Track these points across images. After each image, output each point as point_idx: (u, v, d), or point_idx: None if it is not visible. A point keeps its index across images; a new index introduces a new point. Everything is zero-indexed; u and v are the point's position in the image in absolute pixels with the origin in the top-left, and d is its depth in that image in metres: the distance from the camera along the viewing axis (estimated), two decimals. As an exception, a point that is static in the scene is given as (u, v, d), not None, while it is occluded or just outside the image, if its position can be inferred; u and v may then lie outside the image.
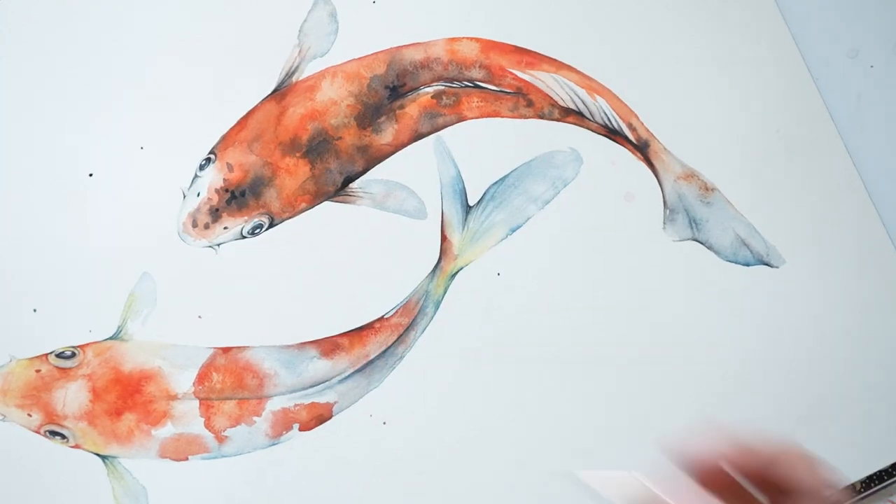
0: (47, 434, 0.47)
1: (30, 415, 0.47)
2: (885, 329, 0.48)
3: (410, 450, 0.47)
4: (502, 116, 0.49)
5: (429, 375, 0.47)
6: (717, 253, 0.48)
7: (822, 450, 0.46)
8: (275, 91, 0.49)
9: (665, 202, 0.49)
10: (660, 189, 0.49)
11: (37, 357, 0.48)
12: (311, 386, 0.47)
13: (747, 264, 0.48)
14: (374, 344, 0.48)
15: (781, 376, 0.48)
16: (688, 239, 0.48)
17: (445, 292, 0.48)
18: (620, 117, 0.49)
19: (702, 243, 0.48)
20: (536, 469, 0.47)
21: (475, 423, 0.47)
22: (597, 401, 0.47)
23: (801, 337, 0.48)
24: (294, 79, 0.49)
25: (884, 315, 0.48)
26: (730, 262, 0.48)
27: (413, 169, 0.48)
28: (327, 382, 0.47)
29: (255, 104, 0.48)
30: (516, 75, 0.49)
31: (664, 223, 0.48)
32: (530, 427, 0.47)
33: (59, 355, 0.48)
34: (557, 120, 0.49)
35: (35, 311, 0.48)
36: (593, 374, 0.47)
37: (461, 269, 0.48)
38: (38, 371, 0.48)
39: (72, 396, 0.47)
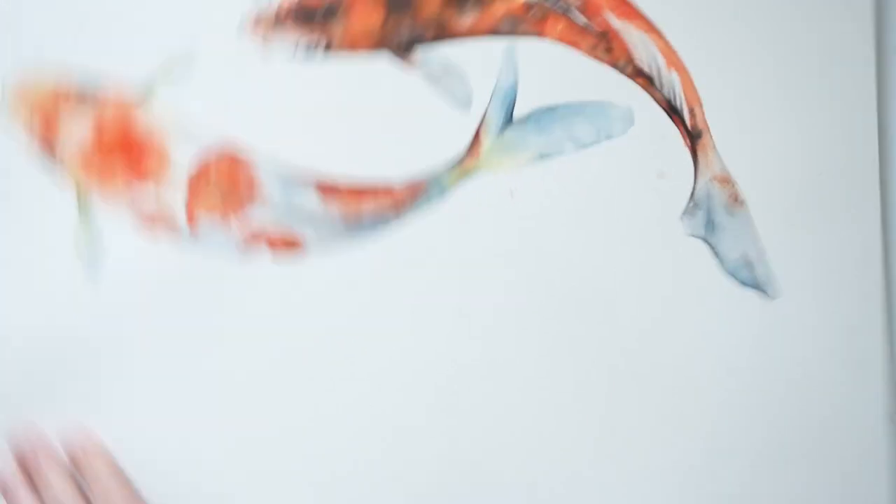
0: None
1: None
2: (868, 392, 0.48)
3: (354, 321, 0.47)
4: (579, 49, 0.49)
5: (409, 258, 0.47)
6: (721, 262, 0.48)
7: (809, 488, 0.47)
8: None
9: (693, 194, 0.49)
10: (693, 181, 0.49)
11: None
12: (296, 214, 0.47)
13: (743, 283, 0.48)
14: (370, 207, 0.48)
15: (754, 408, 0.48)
16: (699, 237, 0.48)
17: (455, 186, 0.48)
18: (686, 99, 0.49)
19: (710, 246, 0.48)
20: (502, 423, 0.47)
21: (435, 328, 0.48)
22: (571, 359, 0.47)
23: (780, 372, 0.48)
24: None
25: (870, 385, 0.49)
26: (729, 274, 0.48)
27: (476, 62, 0.48)
28: (311, 218, 0.48)
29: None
30: (607, 19, 0.49)
31: (683, 213, 0.48)
32: (504, 371, 0.47)
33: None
34: (628, 76, 0.49)
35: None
36: (574, 336, 0.48)
37: (479, 171, 0.48)
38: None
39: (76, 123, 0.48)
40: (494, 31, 0.49)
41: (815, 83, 0.50)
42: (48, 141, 0.48)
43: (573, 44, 0.49)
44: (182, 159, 0.47)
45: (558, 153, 0.48)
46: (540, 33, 0.49)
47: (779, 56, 0.50)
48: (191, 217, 0.47)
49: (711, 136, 0.49)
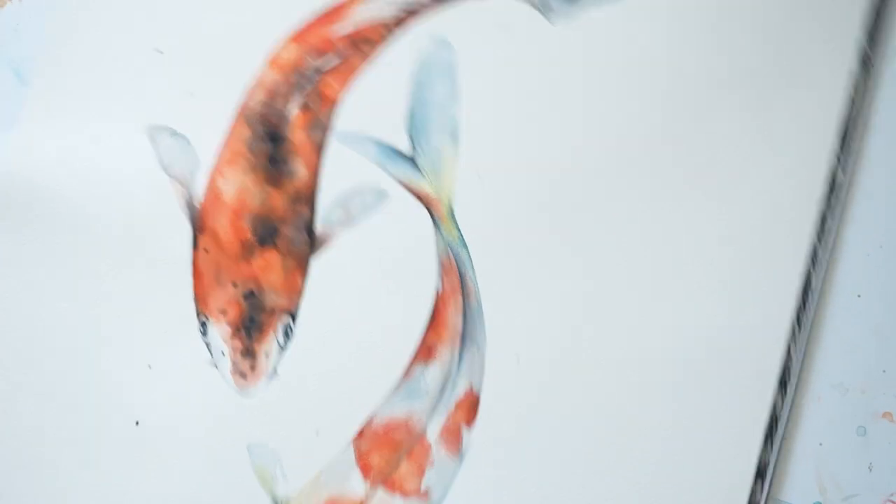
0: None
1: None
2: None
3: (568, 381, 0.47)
4: (358, 68, 0.48)
5: (515, 295, 0.47)
6: None
7: None
8: (195, 233, 0.48)
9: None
10: None
11: None
12: (443, 391, 0.47)
13: None
14: (453, 315, 0.48)
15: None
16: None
17: (459, 230, 0.48)
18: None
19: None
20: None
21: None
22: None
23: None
24: (198, 205, 0.48)
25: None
26: None
27: (347, 167, 0.48)
28: (451, 377, 0.47)
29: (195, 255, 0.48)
30: (339, 34, 0.49)
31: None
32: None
33: None
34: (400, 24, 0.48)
35: None
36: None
37: (452, 204, 0.48)
38: None
39: None
40: (320, 146, 0.48)
41: None
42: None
43: (350, 73, 0.48)
44: (354, 486, 0.47)
45: (453, 119, 0.48)
46: (333, 102, 0.48)
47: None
48: (410, 493, 0.47)
49: None
